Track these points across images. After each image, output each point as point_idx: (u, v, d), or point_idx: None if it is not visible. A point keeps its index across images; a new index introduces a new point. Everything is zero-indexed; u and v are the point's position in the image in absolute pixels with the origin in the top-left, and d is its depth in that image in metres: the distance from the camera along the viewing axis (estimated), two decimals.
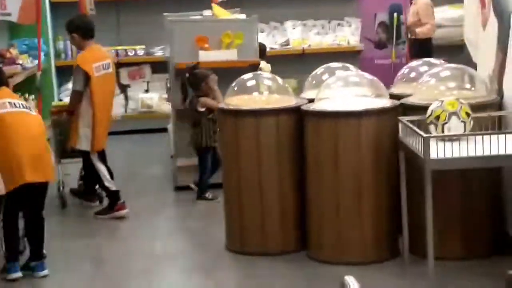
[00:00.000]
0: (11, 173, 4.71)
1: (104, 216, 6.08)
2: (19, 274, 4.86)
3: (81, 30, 6.05)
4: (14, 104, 4.82)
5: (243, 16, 7.24)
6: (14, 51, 8.42)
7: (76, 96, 5.98)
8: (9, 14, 5.17)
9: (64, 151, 6.34)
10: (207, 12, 7.30)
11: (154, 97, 9.65)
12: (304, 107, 4.86)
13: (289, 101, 5.00)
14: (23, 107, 4.86)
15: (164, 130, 8.34)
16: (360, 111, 4.67)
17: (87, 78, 5.91)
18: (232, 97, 5.09)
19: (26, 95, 8.77)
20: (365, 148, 4.64)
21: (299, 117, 4.87)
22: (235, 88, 5.10)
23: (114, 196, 6.09)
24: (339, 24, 10.20)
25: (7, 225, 4.89)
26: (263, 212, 4.94)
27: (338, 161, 4.66)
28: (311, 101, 4.95)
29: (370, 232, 4.70)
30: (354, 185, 4.67)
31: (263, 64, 7.80)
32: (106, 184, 6.06)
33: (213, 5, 7.26)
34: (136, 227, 5.98)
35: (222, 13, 7.13)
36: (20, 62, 8.21)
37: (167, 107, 8.75)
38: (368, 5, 9.68)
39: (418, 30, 9.36)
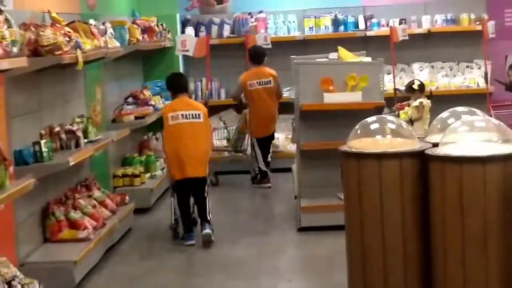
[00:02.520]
0: (178, 168, 6.55)
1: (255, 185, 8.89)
2: (193, 241, 6.60)
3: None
4: (186, 115, 6.50)
5: (368, 59, 7.27)
6: (147, 93, 8.79)
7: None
8: (187, 51, 6.85)
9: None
10: (333, 55, 7.39)
11: (280, 137, 9.80)
12: (428, 151, 4.80)
13: (413, 145, 4.97)
14: (192, 117, 6.53)
15: (289, 170, 8.44)
16: (486, 156, 4.56)
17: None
18: (355, 139, 5.10)
19: (158, 135, 9.13)
20: (491, 194, 4.52)
21: (422, 161, 4.81)
22: (358, 131, 5.11)
23: (263, 174, 8.89)
24: (467, 66, 10.06)
25: (181, 206, 6.68)
26: (385, 256, 4.88)
27: (463, 207, 4.56)
28: (435, 145, 4.89)
29: (496, 285, 4.54)
30: (480, 233, 4.53)
31: (426, 101, 7.74)
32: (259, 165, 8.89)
33: (339, 48, 7.34)
34: (259, 266, 6.07)
35: (347, 56, 7.19)
36: (153, 103, 8.54)
37: (292, 147, 8.86)
38: (499, 47, 9.46)
39: None
